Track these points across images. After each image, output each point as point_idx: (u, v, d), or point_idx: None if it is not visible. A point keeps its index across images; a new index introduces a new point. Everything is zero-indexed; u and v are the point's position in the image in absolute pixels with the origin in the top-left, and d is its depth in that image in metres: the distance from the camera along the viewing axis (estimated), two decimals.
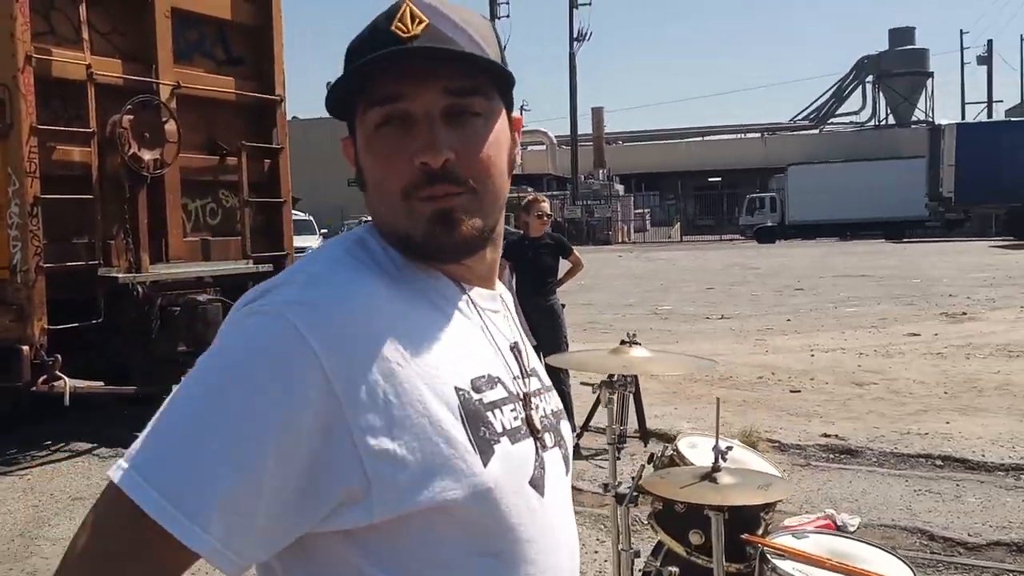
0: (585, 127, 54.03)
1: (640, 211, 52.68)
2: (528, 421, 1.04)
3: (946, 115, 67.39)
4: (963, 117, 59.15)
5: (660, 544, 2.93)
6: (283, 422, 0.87)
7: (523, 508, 0.99)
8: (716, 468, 2.45)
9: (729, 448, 2.53)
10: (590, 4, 50.30)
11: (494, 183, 1.02)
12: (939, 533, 4.79)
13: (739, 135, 67.76)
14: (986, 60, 64.94)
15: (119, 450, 6.74)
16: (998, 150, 35.97)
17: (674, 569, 2.76)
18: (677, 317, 14.49)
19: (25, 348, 6.39)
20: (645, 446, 6.25)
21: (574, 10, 49.76)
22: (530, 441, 1.03)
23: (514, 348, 1.10)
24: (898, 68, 66.77)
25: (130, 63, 7.34)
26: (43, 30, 6.73)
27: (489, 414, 0.98)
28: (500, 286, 1.16)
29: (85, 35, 6.91)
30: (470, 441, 0.94)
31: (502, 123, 1.05)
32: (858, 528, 4.72)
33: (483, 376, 1.01)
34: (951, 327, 12.15)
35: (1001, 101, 74.19)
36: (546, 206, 7.01)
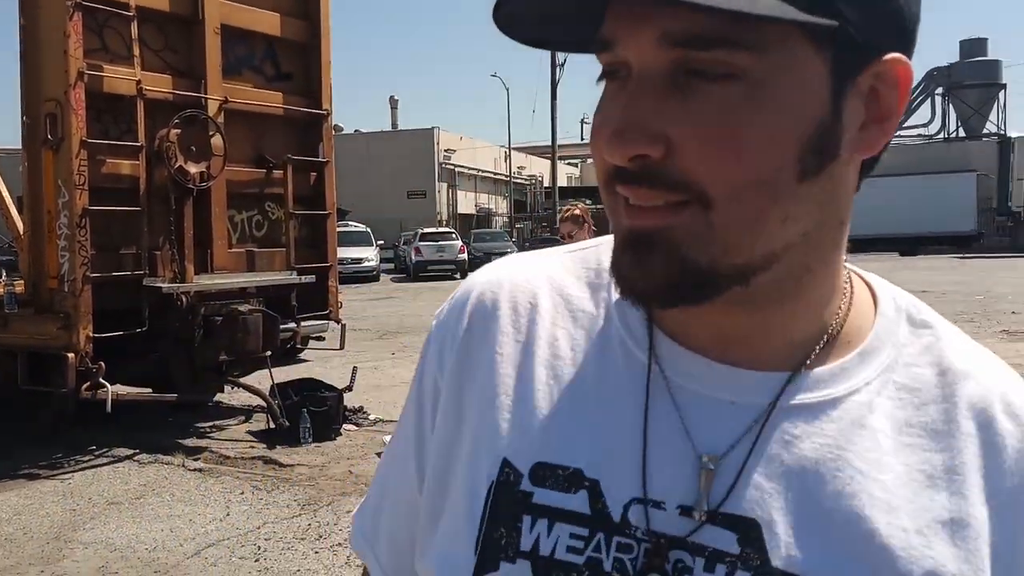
0: None
1: None
2: (619, 569, 0.64)
3: (1018, 128, 65.55)
4: None
5: None
6: (416, 391, 0.81)
7: None
8: None
9: None
10: None
11: (748, 192, 0.60)
12: None
13: None
14: None
15: (159, 456, 6.90)
16: None
17: None
18: None
19: (71, 355, 6.59)
20: None
21: None
22: None
23: (704, 465, 0.65)
24: (969, 80, 65.09)
25: (180, 78, 7.53)
26: (96, 47, 6.95)
27: (526, 518, 0.67)
28: (815, 375, 0.68)
29: (136, 52, 7.11)
30: (478, 532, 0.69)
31: (801, 88, 0.60)
32: None
33: (565, 468, 0.67)
34: (1010, 345, 11.78)
35: None
36: (575, 215, 6.59)
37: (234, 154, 7.77)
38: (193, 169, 7.27)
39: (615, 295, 0.72)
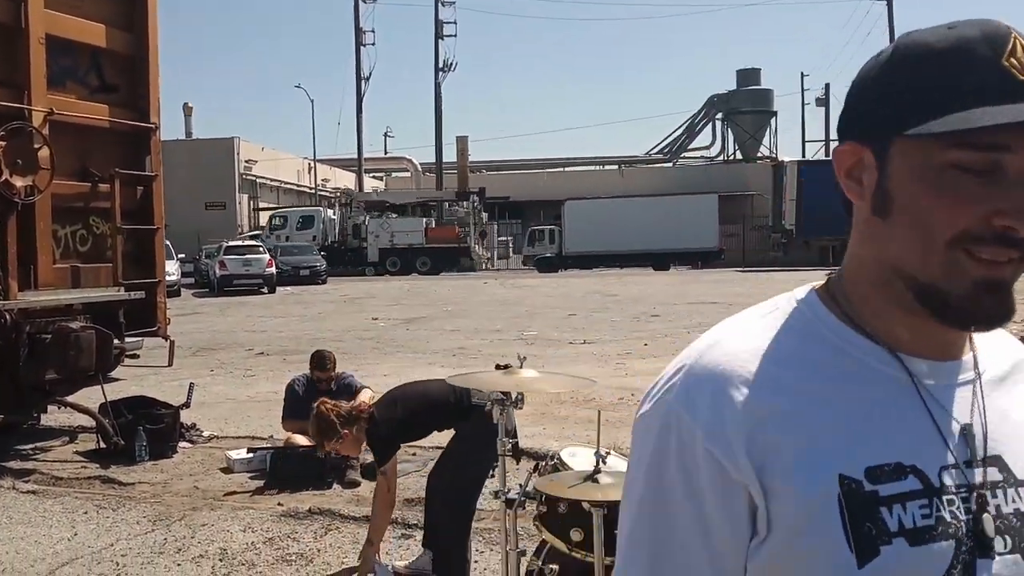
0: (450, 155, 54.62)
1: (503, 239, 53.49)
2: (954, 517, 0.90)
3: (788, 152, 71.47)
4: (803, 154, 63.04)
5: (543, 543, 3.28)
6: (694, 513, 0.92)
7: None
8: (598, 471, 2.83)
9: (608, 453, 2.92)
10: (455, 36, 51.21)
11: None
12: None
13: (598, 167, 69.87)
14: (824, 102, 69.39)
15: None
16: (834, 186, 38.46)
17: (554, 566, 3.12)
18: (542, 342, 15.01)
19: None
20: (517, 464, 6.59)
21: (439, 40, 50.49)
22: (948, 544, 0.89)
23: (965, 431, 0.94)
24: (745, 106, 70.32)
25: (2, 89, 7.26)
26: None
27: (883, 509, 0.89)
28: (988, 354, 1.01)
29: None
30: (846, 535, 0.88)
31: None
32: None
33: (888, 464, 0.91)
34: None
35: (837, 140, 79.29)
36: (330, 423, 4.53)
37: (59, 167, 7.54)
38: (19, 183, 7.03)
39: (837, 337, 0.96)
